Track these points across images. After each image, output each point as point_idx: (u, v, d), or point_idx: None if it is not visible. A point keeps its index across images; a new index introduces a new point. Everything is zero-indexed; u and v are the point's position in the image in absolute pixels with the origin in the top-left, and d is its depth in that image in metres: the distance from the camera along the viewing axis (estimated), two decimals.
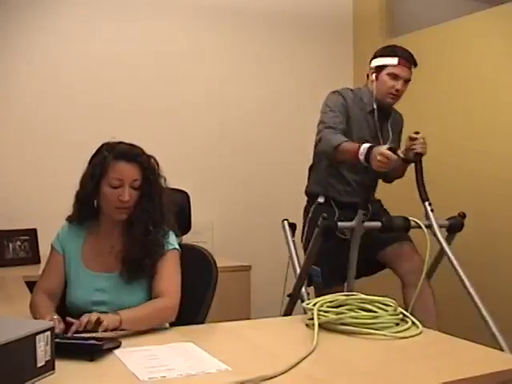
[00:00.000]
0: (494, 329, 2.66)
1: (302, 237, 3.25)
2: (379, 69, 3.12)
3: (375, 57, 3.17)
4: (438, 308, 3.04)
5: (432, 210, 2.95)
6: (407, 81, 3.12)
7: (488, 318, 2.71)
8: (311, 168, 3.35)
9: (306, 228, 3.24)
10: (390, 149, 2.69)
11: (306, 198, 3.36)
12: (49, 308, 2.08)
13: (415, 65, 3.12)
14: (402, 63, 3.07)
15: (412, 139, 2.98)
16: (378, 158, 2.70)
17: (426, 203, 2.97)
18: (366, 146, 2.80)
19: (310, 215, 3.24)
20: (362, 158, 2.80)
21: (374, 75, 3.14)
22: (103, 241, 2.20)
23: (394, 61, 3.07)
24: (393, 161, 2.69)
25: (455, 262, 2.83)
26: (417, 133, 2.97)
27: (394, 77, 3.08)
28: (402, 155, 2.79)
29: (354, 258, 2.92)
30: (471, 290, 2.77)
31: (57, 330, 1.81)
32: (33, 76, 3.85)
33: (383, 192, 3.36)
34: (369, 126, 3.16)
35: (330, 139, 2.97)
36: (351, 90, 3.24)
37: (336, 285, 3.00)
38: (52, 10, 3.88)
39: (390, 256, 3.14)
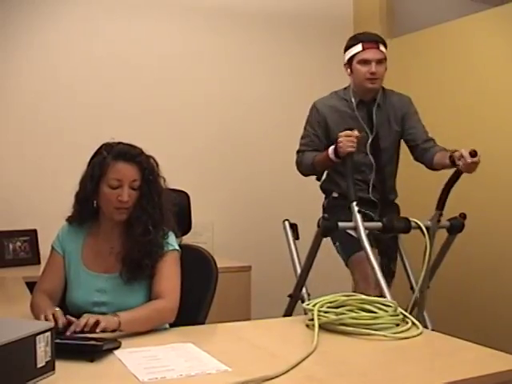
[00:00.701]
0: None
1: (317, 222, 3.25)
2: (350, 61, 3.14)
3: (344, 51, 3.20)
4: (438, 309, 3.04)
5: (439, 221, 2.96)
6: (380, 61, 3.10)
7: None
8: None
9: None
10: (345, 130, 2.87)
11: (307, 198, 3.38)
12: (50, 306, 2.08)
13: (383, 44, 3.12)
14: (367, 46, 3.08)
15: (462, 156, 2.79)
16: (338, 141, 2.86)
17: (438, 212, 2.97)
18: (332, 147, 2.94)
19: (325, 207, 3.32)
20: (332, 156, 2.94)
21: (348, 70, 3.18)
22: (103, 241, 2.19)
23: (358, 48, 3.10)
24: (351, 137, 2.83)
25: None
26: (473, 154, 2.74)
27: (365, 62, 3.09)
28: (356, 133, 2.86)
29: (368, 253, 2.78)
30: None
31: (60, 323, 1.83)
32: (33, 76, 3.85)
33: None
34: (357, 121, 3.14)
35: (302, 162, 3.21)
36: (335, 92, 3.26)
37: (356, 252, 2.99)
38: (52, 9, 3.88)
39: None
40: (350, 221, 2.85)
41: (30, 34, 3.83)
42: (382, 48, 3.10)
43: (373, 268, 2.73)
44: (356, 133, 2.86)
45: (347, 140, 2.84)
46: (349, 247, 3.07)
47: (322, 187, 3.39)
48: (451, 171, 2.94)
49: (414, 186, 3.62)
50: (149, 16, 4.14)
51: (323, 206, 3.35)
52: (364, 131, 3.12)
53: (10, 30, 3.77)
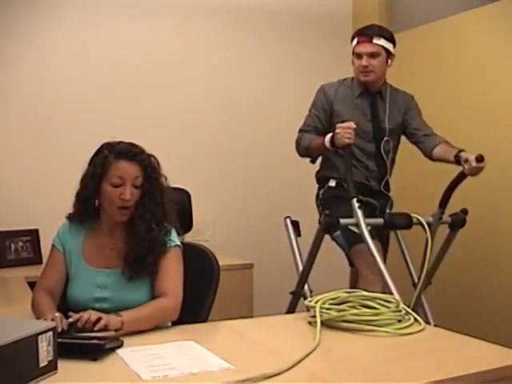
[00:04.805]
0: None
1: (318, 219, 3.24)
2: (352, 54, 3.21)
3: None
4: (441, 305, 3.04)
5: (440, 218, 2.96)
6: (373, 54, 3.11)
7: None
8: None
9: (320, 210, 3.26)
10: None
11: (309, 195, 3.35)
12: (50, 306, 2.09)
13: (383, 36, 3.12)
14: (360, 40, 3.13)
15: (467, 160, 2.79)
16: (337, 131, 2.87)
17: (440, 210, 2.98)
18: (329, 135, 2.95)
19: (320, 197, 3.29)
20: (328, 144, 2.95)
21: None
22: (104, 237, 2.20)
23: (354, 42, 3.18)
24: (350, 129, 2.83)
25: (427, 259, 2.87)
26: (480, 160, 2.73)
27: (358, 56, 3.15)
28: (354, 125, 2.86)
29: (371, 248, 2.76)
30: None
31: (59, 329, 1.81)
32: (33, 76, 3.85)
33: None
34: (360, 109, 3.18)
35: (299, 143, 3.22)
36: (343, 79, 3.29)
37: (357, 244, 2.98)
38: (51, 10, 3.88)
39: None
40: (351, 213, 2.84)
41: (30, 34, 3.83)
42: (376, 41, 3.11)
43: (377, 263, 2.72)
44: (353, 125, 2.88)
45: (345, 132, 2.86)
46: (351, 237, 3.05)
47: (317, 175, 3.36)
48: (449, 168, 2.95)
49: (409, 181, 3.61)
50: (149, 15, 4.13)
51: (317, 196, 3.30)
52: (367, 119, 3.17)
53: (10, 30, 3.77)
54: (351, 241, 3.06)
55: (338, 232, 3.10)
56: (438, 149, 3.06)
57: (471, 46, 3.85)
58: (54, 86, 3.90)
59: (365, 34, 3.14)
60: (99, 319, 1.83)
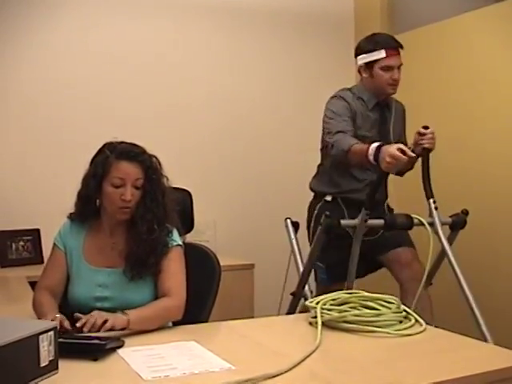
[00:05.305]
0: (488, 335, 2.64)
1: (308, 234, 3.24)
2: (370, 65, 3.09)
3: (360, 53, 3.14)
4: (441, 306, 3.03)
5: (436, 208, 2.94)
6: (399, 67, 3.10)
7: (481, 322, 2.68)
8: (319, 166, 3.34)
9: (311, 224, 3.24)
10: (399, 149, 2.65)
11: (309, 196, 3.34)
12: (52, 305, 2.09)
13: (402, 47, 3.10)
14: (390, 53, 3.05)
15: (420, 134, 2.92)
16: (387, 159, 2.66)
17: (431, 200, 2.96)
18: (374, 145, 2.77)
19: (316, 212, 3.24)
20: (371, 158, 2.77)
21: (367, 72, 3.12)
22: (105, 237, 2.21)
23: (381, 54, 3.05)
24: (402, 162, 2.66)
25: (454, 262, 2.83)
26: (426, 127, 2.91)
27: (388, 68, 3.06)
28: (412, 154, 2.69)
29: (355, 255, 2.90)
30: (467, 291, 2.76)
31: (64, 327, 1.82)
32: (33, 76, 3.85)
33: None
34: (371, 121, 3.13)
35: (340, 144, 2.96)
36: (349, 89, 3.21)
37: (337, 283, 2.99)
38: (51, 10, 3.88)
39: (391, 261, 3.15)
40: (343, 237, 2.91)
41: (30, 34, 3.83)
42: (401, 53, 3.09)
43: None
44: (411, 154, 2.69)
45: (393, 164, 2.67)
46: (331, 275, 3.11)
47: (313, 188, 3.32)
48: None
49: (405, 184, 3.60)
50: (149, 14, 4.14)
51: (313, 208, 3.27)
52: (376, 131, 3.14)
53: (10, 30, 3.77)
54: (332, 277, 3.12)
55: (323, 265, 3.13)
56: None
57: (473, 47, 3.85)
58: (54, 86, 3.90)
59: (393, 46, 3.07)
60: (105, 322, 1.83)
